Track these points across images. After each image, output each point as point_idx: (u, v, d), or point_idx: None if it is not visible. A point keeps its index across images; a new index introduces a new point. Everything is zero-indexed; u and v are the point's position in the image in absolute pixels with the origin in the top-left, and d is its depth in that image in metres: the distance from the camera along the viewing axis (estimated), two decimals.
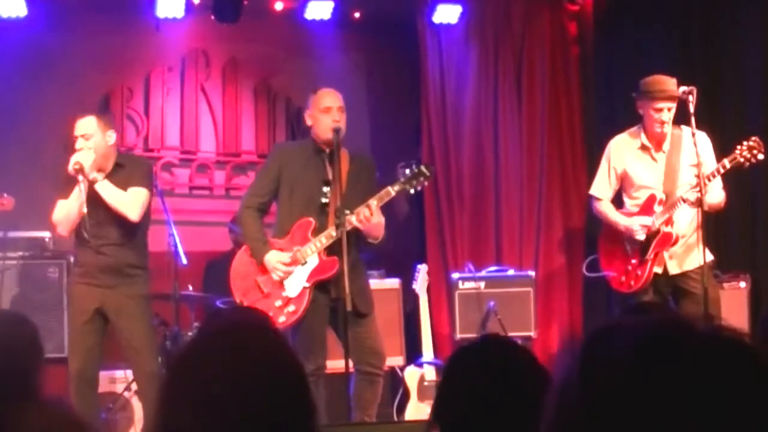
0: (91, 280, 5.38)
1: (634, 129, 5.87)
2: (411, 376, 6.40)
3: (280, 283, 5.24)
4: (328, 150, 5.26)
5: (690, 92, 5.50)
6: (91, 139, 5.31)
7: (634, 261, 5.78)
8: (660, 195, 5.73)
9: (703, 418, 0.91)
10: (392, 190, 5.21)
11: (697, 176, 5.48)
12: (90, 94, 7.30)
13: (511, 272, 6.93)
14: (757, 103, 6.44)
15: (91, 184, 5.25)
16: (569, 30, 7.59)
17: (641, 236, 5.71)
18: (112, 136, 5.43)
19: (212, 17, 7.09)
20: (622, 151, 5.88)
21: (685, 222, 5.74)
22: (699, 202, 5.48)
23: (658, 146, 5.77)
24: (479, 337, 2.12)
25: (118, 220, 5.35)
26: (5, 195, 5.70)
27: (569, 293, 7.37)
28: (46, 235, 6.37)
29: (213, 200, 7.78)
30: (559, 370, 1.02)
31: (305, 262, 5.25)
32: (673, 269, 5.74)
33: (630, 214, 5.83)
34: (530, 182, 7.43)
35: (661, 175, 5.76)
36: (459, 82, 7.46)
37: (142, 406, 5.73)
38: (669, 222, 5.70)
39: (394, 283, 6.76)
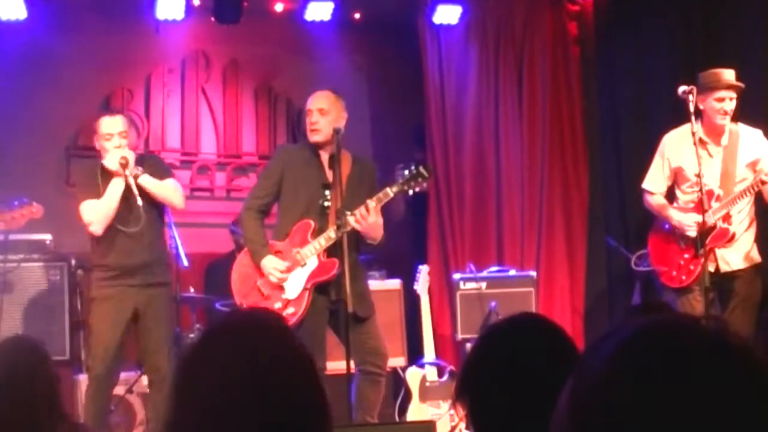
0: (126, 281, 5.40)
1: (690, 124, 5.65)
2: (413, 377, 6.39)
3: (280, 285, 5.24)
4: (327, 154, 5.25)
5: (690, 92, 5.46)
6: (127, 137, 5.48)
7: (687, 255, 5.67)
8: (717, 191, 5.60)
9: (699, 420, 0.90)
10: (390, 192, 5.20)
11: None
12: (90, 96, 7.30)
13: (512, 272, 6.91)
14: (757, 103, 6.41)
15: (134, 178, 5.37)
16: (570, 30, 7.57)
17: (693, 232, 5.60)
18: (134, 134, 5.75)
19: (212, 19, 7.09)
20: (678, 146, 5.74)
21: (737, 220, 5.64)
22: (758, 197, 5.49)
23: (717, 141, 5.64)
24: (519, 313, 2.04)
25: (151, 216, 5.41)
26: (34, 203, 5.61)
27: (571, 294, 7.36)
28: (47, 237, 6.35)
29: (214, 202, 7.78)
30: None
31: (305, 264, 5.24)
32: (724, 267, 5.63)
33: (685, 210, 5.71)
34: (531, 182, 7.42)
35: (717, 171, 5.64)
36: (460, 83, 7.44)
37: (150, 406, 5.70)
38: (726, 218, 5.60)
39: (395, 283, 6.76)
